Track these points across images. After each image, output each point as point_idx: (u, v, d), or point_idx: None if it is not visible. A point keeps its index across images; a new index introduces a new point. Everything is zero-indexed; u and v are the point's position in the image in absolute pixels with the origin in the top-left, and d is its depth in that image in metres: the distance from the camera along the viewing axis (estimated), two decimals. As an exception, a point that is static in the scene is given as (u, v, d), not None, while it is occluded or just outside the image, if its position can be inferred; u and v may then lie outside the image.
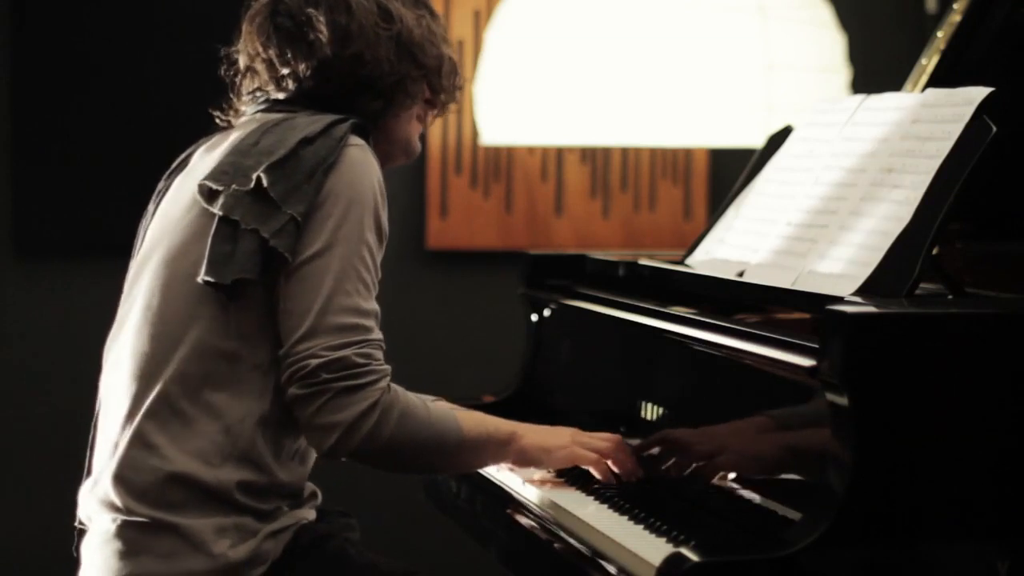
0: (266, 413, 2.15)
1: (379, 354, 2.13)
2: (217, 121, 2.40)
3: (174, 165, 2.37)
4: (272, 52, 2.29)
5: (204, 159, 2.30)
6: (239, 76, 2.36)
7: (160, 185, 2.36)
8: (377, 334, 2.14)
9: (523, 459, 2.32)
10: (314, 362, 2.08)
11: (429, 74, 2.35)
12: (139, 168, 4.06)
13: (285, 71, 2.29)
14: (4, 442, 4.15)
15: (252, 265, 2.12)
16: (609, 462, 2.35)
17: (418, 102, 2.38)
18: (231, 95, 2.38)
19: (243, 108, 2.36)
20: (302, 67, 2.27)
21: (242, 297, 2.14)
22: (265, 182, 2.13)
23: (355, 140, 2.20)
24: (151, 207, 2.35)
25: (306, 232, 2.12)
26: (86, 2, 4.09)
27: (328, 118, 2.21)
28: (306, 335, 2.09)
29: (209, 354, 2.14)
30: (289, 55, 2.28)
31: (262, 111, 2.32)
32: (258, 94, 2.34)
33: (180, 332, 2.15)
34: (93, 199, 4.11)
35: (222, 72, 2.39)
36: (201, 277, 2.13)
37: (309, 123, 2.20)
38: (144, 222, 2.35)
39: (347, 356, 2.08)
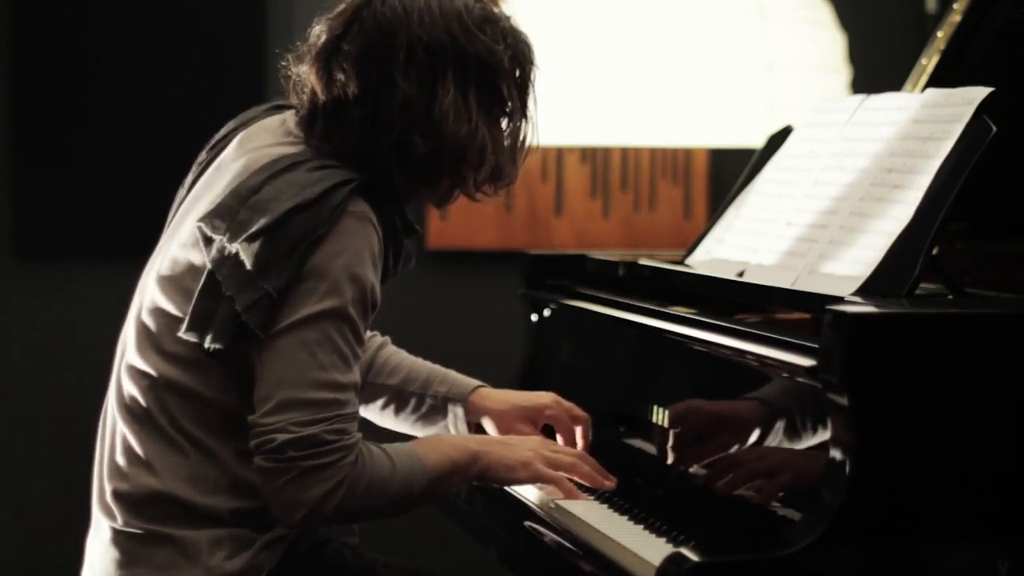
0: (248, 449, 2.08)
1: (352, 427, 2.04)
2: (281, 67, 2.19)
3: (218, 137, 2.26)
4: (321, 58, 2.11)
5: (233, 156, 2.17)
6: (309, 46, 2.16)
7: (202, 157, 2.25)
8: (352, 407, 2.05)
9: (487, 479, 2.22)
10: (281, 437, 1.99)
11: (451, 181, 2.18)
12: (139, 168, 4.10)
13: (314, 95, 2.12)
14: (4, 442, 4.15)
15: (226, 335, 2.04)
16: (576, 476, 2.27)
17: (440, 191, 2.22)
18: (301, 66, 2.16)
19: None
20: (325, 103, 2.11)
21: (220, 356, 2.07)
22: (243, 254, 2.02)
23: (354, 206, 2.05)
24: (189, 178, 2.25)
25: (286, 302, 2.02)
26: (86, 1, 4.09)
27: (331, 179, 2.05)
28: (277, 408, 2.00)
29: (183, 392, 2.10)
30: (333, 79, 2.10)
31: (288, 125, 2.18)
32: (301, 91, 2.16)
33: (162, 365, 2.11)
34: (93, 199, 4.11)
35: (307, 33, 2.16)
36: (182, 332, 2.08)
37: (310, 182, 2.05)
38: (180, 193, 2.25)
39: (317, 433, 1.99)
